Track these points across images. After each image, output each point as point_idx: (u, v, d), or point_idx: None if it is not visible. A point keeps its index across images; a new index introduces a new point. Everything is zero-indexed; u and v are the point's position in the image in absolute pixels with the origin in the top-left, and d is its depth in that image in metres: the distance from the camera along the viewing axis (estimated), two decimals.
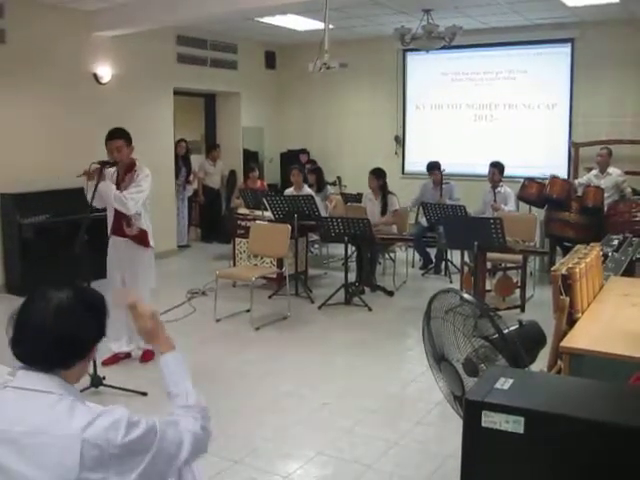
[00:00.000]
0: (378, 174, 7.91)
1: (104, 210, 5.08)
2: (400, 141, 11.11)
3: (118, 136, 4.90)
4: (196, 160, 11.02)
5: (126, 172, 4.96)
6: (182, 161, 10.32)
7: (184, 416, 1.87)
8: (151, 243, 5.15)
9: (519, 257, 6.78)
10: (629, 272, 4.38)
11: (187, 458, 1.80)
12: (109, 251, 5.17)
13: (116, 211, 4.96)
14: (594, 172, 8.35)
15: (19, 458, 1.57)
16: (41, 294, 1.72)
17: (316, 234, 7.97)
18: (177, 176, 10.14)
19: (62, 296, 1.71)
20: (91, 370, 4.60)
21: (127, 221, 5.00)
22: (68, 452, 1.56)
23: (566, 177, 9.13)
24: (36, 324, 1.67)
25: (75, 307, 1.72)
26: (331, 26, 6.52)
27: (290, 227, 6.75)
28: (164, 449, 1.72)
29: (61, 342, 1.67)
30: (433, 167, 8.77)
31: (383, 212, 7.89)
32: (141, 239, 5.08)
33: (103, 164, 4.68)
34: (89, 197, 4.67)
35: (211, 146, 11.20)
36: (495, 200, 8.03)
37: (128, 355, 5.34)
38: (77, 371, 1.76)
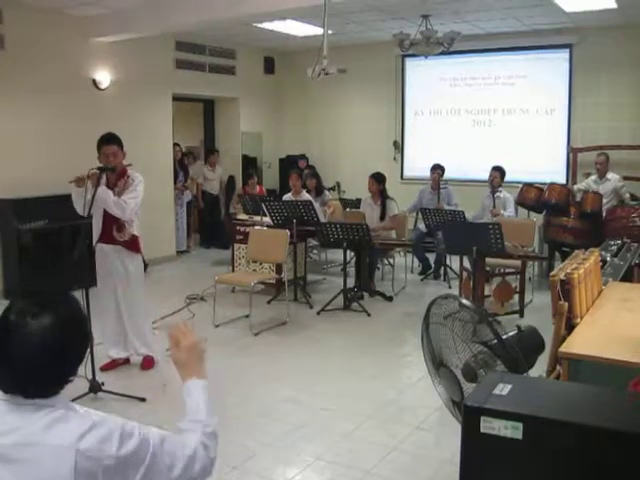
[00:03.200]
0: (378, 178, 7.94)
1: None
2: (399, 146, 11.12)
3: (114, 142, 4.87)
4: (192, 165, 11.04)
5: (118, 178, 4.93)
6: (179, 166, 10.32)
7: (188, 430, 1.81)
8: (141, 249, 5.15)
9: (518, 262, 6.78)
10: (628, 277, 4.38)
11: (181, 474, 1.73)
12: (97, 260, 5.09)
13: (105, 217, 4.92)
14: (593, 177, 8.36)
15: (9, 471, 1.54)
16: (18, 323, 1.58)
17: (315, 239, 7.97)
18: (175, 181, 10.13)
19: (45, 324, 1.57)
20: (90, 376, 4.60)
21: (118, 227, 4.95)
22: (62, 463, 1.53)
23: (565, 182, 9.15)
24: (21, 360, 1.57)
25: (57, 337, 1.59)
26: (330, 32, 6.52)
27: (289, 232, 6.76)
28: (158, 461, 1.67)
29: (52, 378, 1.61)
30: (436, 167, 8.81)
31: (382, 217, 7.91)
32: (132, 245, 5.05)
33: (102, 170, 4.67)
34: (80, 204, 4.60)
35: (209, 151, 11.21)
36: (494, 205, 8.03)
37: (127, 361, 5.33)
38: None
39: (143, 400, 4.57)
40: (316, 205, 7.68)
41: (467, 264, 6.79)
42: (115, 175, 4.90)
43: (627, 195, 8.15)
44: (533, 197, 8.07)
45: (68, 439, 1.55)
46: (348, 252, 7.23)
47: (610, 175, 8.22)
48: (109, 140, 4.88)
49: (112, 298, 5.12)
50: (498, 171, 8.17)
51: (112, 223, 4.95)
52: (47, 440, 1.55)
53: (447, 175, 9.03)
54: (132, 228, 5.02)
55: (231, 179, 11.23)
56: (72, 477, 1.53)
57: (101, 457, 1.56)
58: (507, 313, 6.60)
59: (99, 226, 4.99)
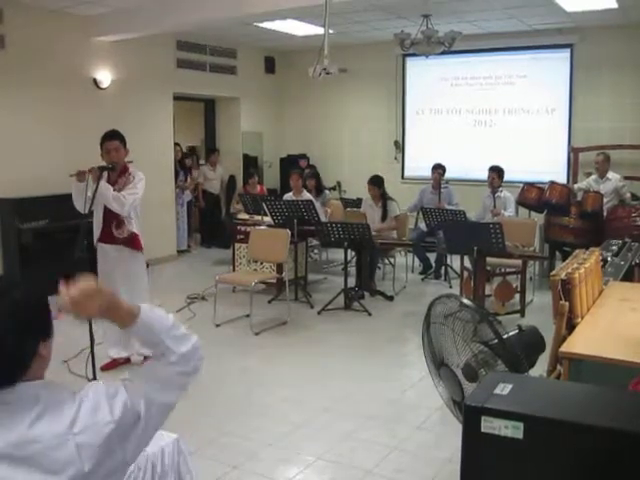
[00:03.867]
0: (377, 182, 7.90)
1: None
2: (400, 146, 11.12)
3: (115, 137, 4.89)
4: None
5: (119, 175, 4.94)
6: (179, 165, 10.32)
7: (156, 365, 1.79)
8: (142, 246, 5.16)
9: (519, 262, 6.78)
10: (628, 277, 4.38)
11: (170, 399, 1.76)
12: (99, 260, 5.10)
13: (105, 215, 4.93)
14: (593, 177, 8.36)
15: (13, 470, 1.53)
16: None
17: (316, 239, 7.97)
18: (175, 181, 10.13)
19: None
20: (90, 375, 4.60)
21: (117, 223, 4.96)
22: (63, 452, 1.53)
23: (565, 182, 9.14)
24: None
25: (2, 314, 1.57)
26: (331, 31, 6.52)
27: (290, 232, 6.76)
28: (153, 406, 1.68)
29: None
30: (437, 167, 8.81)
31: (383, 218, 7.91)
32: (133, 242, 5.06)
33: (103, 169, 4.68)
34: (80, 201, 4.62)
35: (210, 151, 11.21)
36: (495, 205, 8.02)
37: (127, 360, 5.32)
38: (32, 370, 1.63)
39: None
40: (317, 205, 7.68)
41: (468, 264, 6.79)
42: (116, 172, 4.92)
43: (628, 195, 8.14)
44: (534, 197, 8.06)
45: (60, 428, 1.55)
46: (349, 252, 7.23)
47: (611, 175, 8.21)
48: (112, 136, 4.90)
49: None
50: (495, 172, 8.13)
51: (111, 220, 4.95)
52: (41, 436, 1.54)
53: (448, 175, 9.04)
54: (131, 225, 5.02)
55: (232, 179, 11.23)
56: (79, 460, 1.53)
57: (100, 427, 1.56)
58: (508, 313, 6.59)
59: (99, 224, 5.00)
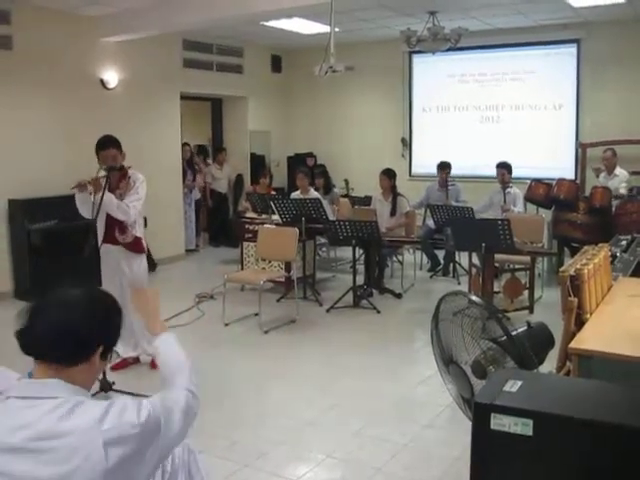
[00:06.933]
0: (389, 174, 7.97)
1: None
2: (407, 143, 11.11)
3: (111, 145, 4.83)
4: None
5: (120, 179, 4.92)
6: (187, 165, 10.33)
7: (175, 385, 1.98)
8: (144, 249, 5.17)
9: (527, 258, 6.76)
10: (638, 273, 4.36)
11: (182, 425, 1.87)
12: (102, 260, 5.09)
13: (108, 219, 4.92)
14: (603, 174, 8.34)
15: (33, 460, 1.56)
16: (55, 292, 1.81)
17: (324, 237, 7.98)
18: (183, 180, 10.14)
19: (73, 292, 1.81)
20: (100, 375, 4.62)
21: (120, 229, 4.95)
22: (90, 448, 1.56)
23: (573, 178, 9.11)
24: (42, 314, 1.73)
25: (80, 302, 1.79)
26: (337, 29, 6.52)
27: (298, 230, 6.76)
28: (169, 420, 1.78)
29: (61, 334, 1.69)
30: (444, 166, 8.78)
31: (392, 214, 7.92)
32: (135, 246, 5.07)
33: (110, 169, 4.69)
34: (85, 209, 4.66)
35: (217, 150, 11.22)
36: (505, 201, 8.00)
37: (137, 360, 5.34)
38: (82, 372, 1.74)
39: None
40: (325, 203, 7.68)
41: (476, 260, 6.77)
42: (117, 177, 4.90)
43: (622, 191, 8.04)
44: (542, 193, 8.04)
45: (89, 425, 1.58)
46: (357, 249, 7.23)
47: (618, 171, 8.20)
48: (106, 144, 4.83)
49: (118, 298, 5.11)
50: (505, 168, 8.12)
51: (114, 225, 4.96)
52: (68, 430, 1.57)
53: (455, 172, 8.99)
54: (135, 230, 5.03)
55: (239, 178, 11.25)
56: (104, 461, 1.55)
57: (126, 429, 1.63)
58: (516, 309, 6.58)
59: (102, 229, 5.00)
